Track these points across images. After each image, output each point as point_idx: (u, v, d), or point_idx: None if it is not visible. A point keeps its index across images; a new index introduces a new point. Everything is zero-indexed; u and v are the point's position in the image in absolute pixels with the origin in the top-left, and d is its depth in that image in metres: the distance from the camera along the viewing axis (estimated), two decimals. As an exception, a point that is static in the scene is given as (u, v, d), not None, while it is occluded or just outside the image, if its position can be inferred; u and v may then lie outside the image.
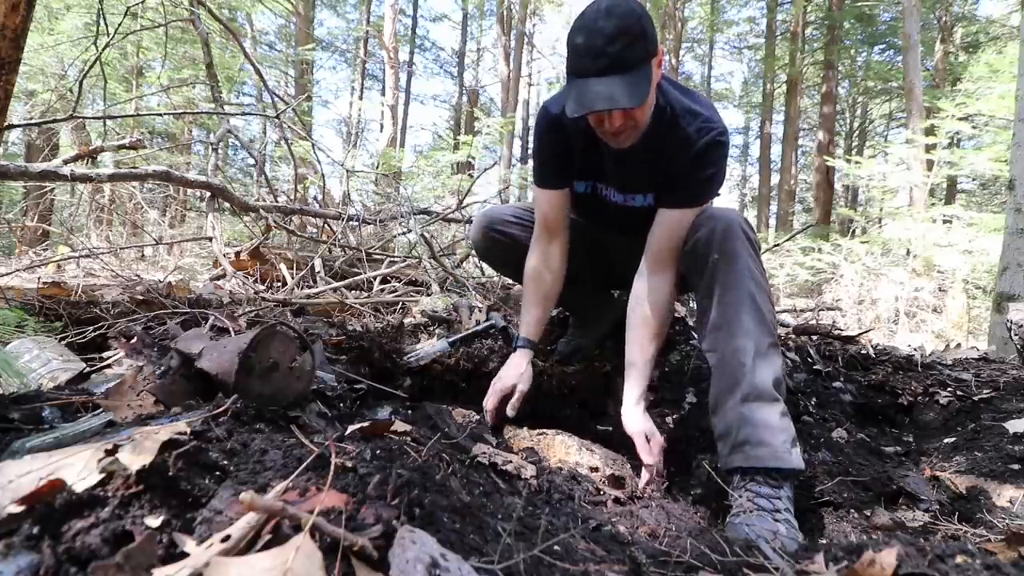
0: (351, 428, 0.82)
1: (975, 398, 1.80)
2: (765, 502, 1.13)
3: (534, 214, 1.67)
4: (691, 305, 2.81)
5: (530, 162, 1.75)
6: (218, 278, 3.11)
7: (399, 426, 0.88)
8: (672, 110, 1.35)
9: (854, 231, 12.30)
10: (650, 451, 1.35)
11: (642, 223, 1.48)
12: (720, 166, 1.37)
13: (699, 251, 1.33)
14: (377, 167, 9.09)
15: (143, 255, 6.39)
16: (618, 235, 1.63)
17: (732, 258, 1.28)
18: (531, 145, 1.60)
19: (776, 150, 18.86)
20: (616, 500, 1.18)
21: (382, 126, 13.47)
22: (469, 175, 8.25)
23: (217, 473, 0.63)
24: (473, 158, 10.71)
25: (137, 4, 3.63)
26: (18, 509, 0.50)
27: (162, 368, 1.06)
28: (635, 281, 1.47)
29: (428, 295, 2.73)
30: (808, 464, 1.32)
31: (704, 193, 1.39)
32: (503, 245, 1.70)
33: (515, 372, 1.54)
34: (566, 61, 1.25)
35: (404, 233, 4.07)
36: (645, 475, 1.34)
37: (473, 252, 4.16)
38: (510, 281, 3.48)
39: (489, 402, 1.51)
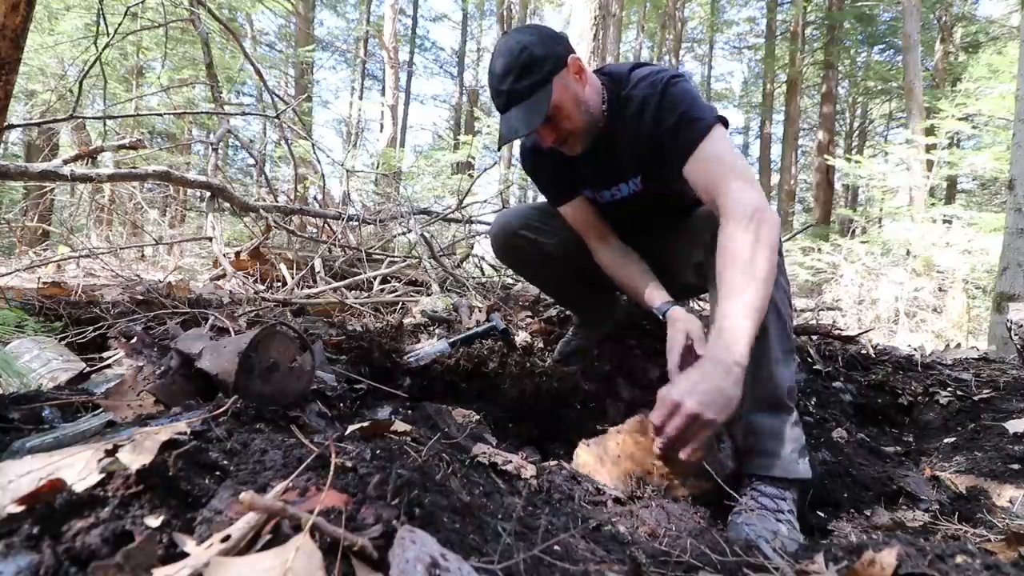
0: (351, 428, 0.81)
1: (975, 398, 1.80)
2: (769, 502, 1.13)
3: (547, 214, 1.69)
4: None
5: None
6: (218, 278, 3.11)
7: (399, 426, 0.87)
8: (622, 90, 1.38)
9: (854, 231, 12.29)
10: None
11: (640, 215, 1.48)
12: (691, 99, 1.31)
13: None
14: (377, 167, 9.09)
15: (143, 255, 6.38)
16: (628, 239, 1.60)
17: None
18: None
19: (776, 150, 18.90)
20: (616, 500, 1.18)
21: (382, 126, 13.47)
22: (469, 175, 8.25)
23: (217, 473, 0.63)
24: (473, 158, 10.70)
25: (137, 4, 3.63)
26: (18, 509, 0.50)
27: (162, 368, 1.06)
28: (719, 237, 1.21)
29: (428, 295, 2.73)
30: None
31: (696, 127, 1.28)
32: (527, 251, 1.72)
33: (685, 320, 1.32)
34: None
35: (404, 233, 4.07)
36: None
37: (475, 255, 4.19)
38: (510, 281, 3.48)
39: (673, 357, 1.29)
